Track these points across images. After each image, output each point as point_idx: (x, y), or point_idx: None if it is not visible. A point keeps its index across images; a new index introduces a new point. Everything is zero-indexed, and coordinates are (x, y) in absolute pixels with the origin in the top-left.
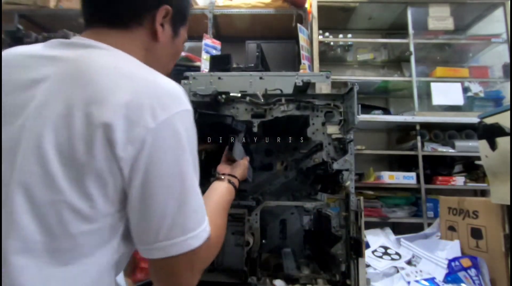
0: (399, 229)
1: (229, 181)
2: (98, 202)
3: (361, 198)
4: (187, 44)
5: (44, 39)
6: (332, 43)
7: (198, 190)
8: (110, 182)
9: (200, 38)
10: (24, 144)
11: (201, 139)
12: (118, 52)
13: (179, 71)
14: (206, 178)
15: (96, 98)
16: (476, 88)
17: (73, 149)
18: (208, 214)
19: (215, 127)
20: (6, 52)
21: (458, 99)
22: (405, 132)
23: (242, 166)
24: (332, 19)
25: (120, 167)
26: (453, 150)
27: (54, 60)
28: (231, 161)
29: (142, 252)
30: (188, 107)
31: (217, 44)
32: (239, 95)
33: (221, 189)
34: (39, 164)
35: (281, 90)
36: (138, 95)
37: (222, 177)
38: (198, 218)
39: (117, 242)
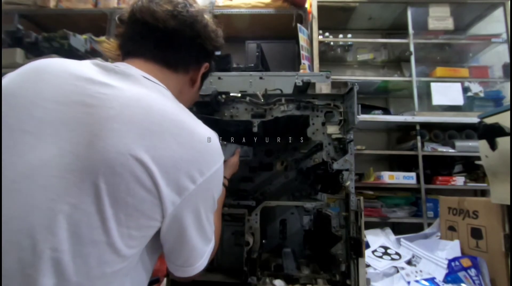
0: (399, 229)
1: None
2: (135, 242)
3: (361, 198)
4: None
5: (44, 39)
6: (332, 43)
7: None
8: (152, 225)
9: None
10: (81, 176)
11: None
12: (170, 94)
13: None
14: None
15: (150, 147)
16: (476, 88)
17: (126, 193)
18: None
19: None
20: (50, 63)
21: (458, 99)
22: (405, 132)
23: (230, 166)
24: (332, 19)
25: (164, 213)
26: (453, 150)
27: (111, 89)
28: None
29: (167, 265)
30: (222, 158)
31: None
32: (239, 95)
33: None
34: (94, 204)
35: (281, 90)
36: (192, 152)
37: None
38: (212, 241)
39: (139, 271)
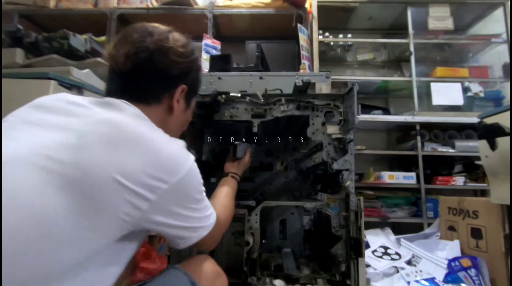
0: (399, 229)
1: (233, 177)
2: (106, 239)
3: (361, 198)
4: None
5: (44, 39)
6: (332, 43)
7: (204, 202)
8: (124, 220)
9: (200, 38)
10: (54, 174)
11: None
12: (145, 118)
13: None
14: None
15: (116, 159)
16: (476, 88)
17: (98, 192)
18: (219, 201)
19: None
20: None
21: (458, 99)
22: (405, 132)
23: (243, 165)
24: (332, 19)
25: (140, 208)
26: (453, 150)
27: (90, 110)
28: (235, 159)
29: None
30: (190, 161)
31: (217, 44)
32: (239, 95)
33: (228, 183)
34: (66, 198)
35: (281, 90)
36: (156, 158)
37: (228, 174)
38: (206, 216)
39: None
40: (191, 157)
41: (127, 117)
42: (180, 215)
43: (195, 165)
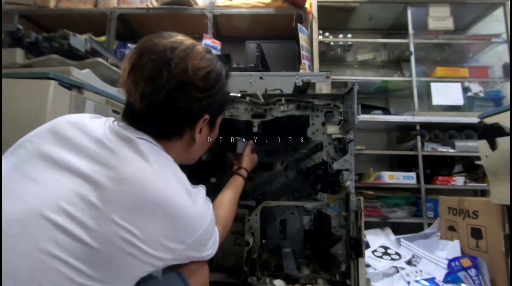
0: (399, 229)
1: (238, 174)
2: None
3: (361, 198)
4: None
5: (44, 39)
6: (332, 43)
7: (214, 231)
8: (138, 276)
9: (200, 38)
10: (71, 233)
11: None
12: (165, 157)
13: None
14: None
15: (138, 224)
16: (476, 88)
17: (116, 256)
18: (222, 209)
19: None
20: (72, 123)
21: (458, 99)
22: (405, 132)
23: (245, 157)
24: (332, 19)
25: (157, 266)
26: (453, 150)
27: (115, 158)
28: (238, 156)
29: None
30: (209, 220)
31: (217, 44)
32: (239, 95)
33: (233, 184)
34: (81, 261)
35: (281, 90)
36: (178, 224)
37: (235, 173)
38: (214, 244)
39: None
40: (209, 210)
41: (152, 170)
42: (195, 257)
43: (212, 214)
